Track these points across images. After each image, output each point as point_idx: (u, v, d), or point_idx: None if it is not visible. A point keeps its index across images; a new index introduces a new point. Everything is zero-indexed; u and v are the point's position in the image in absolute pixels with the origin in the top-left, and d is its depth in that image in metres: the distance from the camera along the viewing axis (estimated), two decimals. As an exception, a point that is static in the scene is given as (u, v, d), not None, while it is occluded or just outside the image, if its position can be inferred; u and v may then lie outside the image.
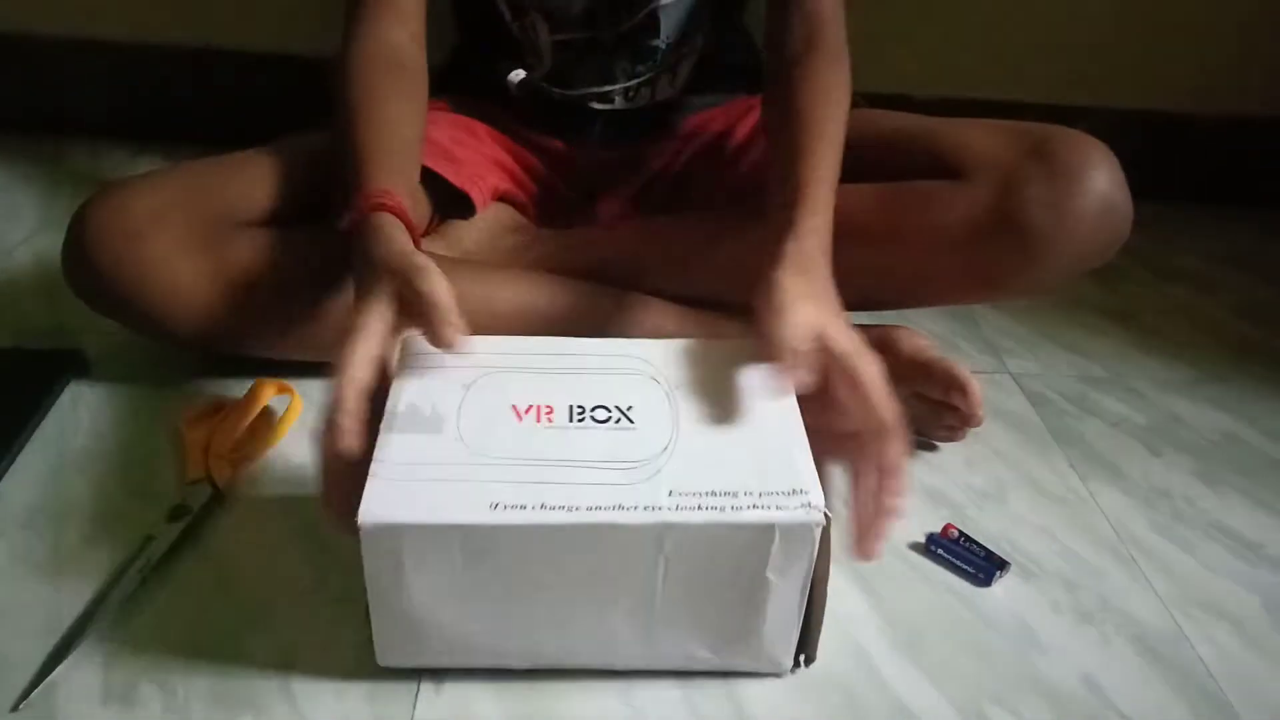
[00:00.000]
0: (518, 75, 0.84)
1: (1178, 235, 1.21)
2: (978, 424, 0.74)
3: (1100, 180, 0.69)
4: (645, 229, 0.84)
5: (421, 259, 0.55)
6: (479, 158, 0.85)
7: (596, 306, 0.78)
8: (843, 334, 0.56)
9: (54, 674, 0.52)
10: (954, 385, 0.73)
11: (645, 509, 0.48)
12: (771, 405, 0.55)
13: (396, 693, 0.53)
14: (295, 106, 0.91)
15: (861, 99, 0.76)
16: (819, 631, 0.54)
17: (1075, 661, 0.59)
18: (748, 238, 0.74)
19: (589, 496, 0.49)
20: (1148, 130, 1.24)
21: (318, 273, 0.71)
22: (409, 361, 0.56)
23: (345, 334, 0.53)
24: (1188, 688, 0.58)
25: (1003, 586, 0.64)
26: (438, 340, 0.53)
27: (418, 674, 0.54)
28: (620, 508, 0.48)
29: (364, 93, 0.69)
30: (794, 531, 0.49)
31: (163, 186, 0.71)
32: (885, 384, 0.54)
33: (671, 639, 0.53)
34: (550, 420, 0.53)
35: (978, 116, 0.77)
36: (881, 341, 0.76)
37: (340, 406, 0.50)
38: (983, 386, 0.73)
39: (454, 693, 0.54)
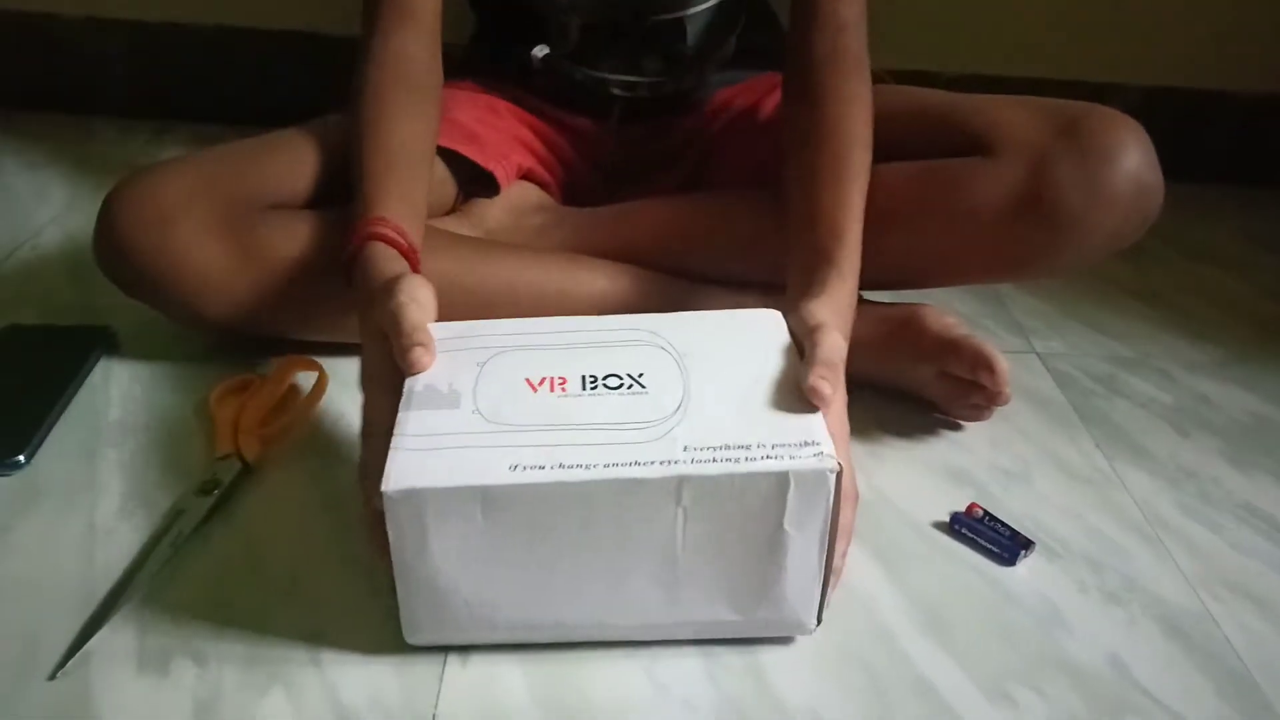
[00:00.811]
0: (541, 50, 0.84)
1: (1206, 215, 1.20)
2: (1004, 402, 0.74)
3: (1133, 160, 0.68)
4: (671, 206, 0.83)
5: (404, 282, 0.55)
6: (503, 136, 0.84)
7: (648, 293, 0.78)
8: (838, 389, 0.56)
9: (89, 644, 0.53)
10: (981, 363, 0.72)
11: (661, 463, 0.49)
12: (779, 371, 0.55)
13: (424, 665, 0.54)
14: (318, 86, 0.91)
15: (889, 76, 0.75)
16: (827, 592, 0.54)
17: (1101, 641, 0.59)
18: (774, 217, 0.74)
19: (606, 455, 0.50)
20: (1175, 108, 1.23)
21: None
22: None
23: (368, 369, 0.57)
24: (1214, 668, 0.58)
25: (1027, 566, 0.64)
26: (400, 363, 0.54)
27: (445, 646, 0.55)
28: (637, 464, 0.49)
29: (378, 111, 0.69)
30: (809, 479, 0.49)
31: (190, 171, 0.71)
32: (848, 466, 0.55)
33: (695, 600, 0.53)
34: (564, 390, 0.54)
35: (1005, 94, 0.76)
36: (908, 320, 0.75)
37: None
38: (1009, 366, 0.72)
39: (480, 664, 0.54)
